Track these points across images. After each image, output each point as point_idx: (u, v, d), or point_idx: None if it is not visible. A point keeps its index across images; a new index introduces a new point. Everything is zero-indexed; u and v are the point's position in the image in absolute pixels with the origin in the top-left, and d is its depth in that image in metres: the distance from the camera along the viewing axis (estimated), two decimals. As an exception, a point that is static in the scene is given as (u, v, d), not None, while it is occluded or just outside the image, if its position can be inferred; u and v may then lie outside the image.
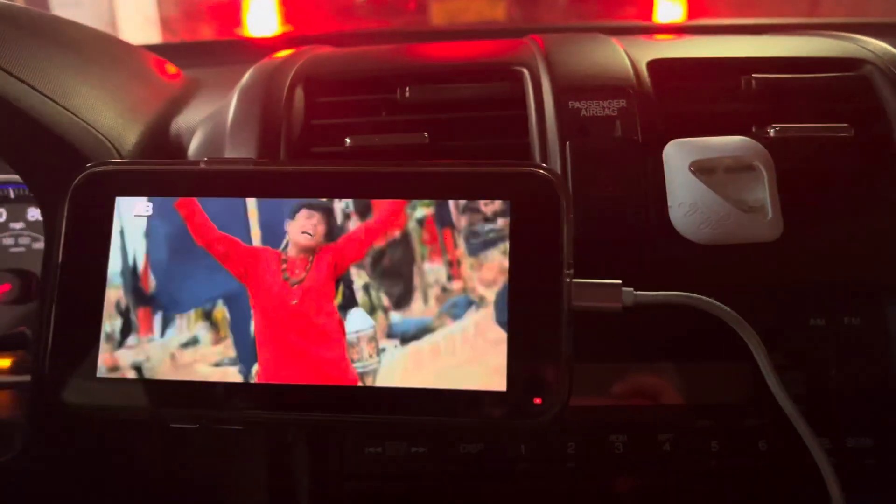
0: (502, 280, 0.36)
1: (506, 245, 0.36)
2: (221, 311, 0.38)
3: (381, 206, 0.38)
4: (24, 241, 0.64)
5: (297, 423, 0.45)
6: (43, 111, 0.48)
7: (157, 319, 0.38)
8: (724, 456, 0.51)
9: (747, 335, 0.38)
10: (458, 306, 0.37)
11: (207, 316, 0.38)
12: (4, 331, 0.59)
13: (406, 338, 0.37)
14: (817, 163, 0.50)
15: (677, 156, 0.46)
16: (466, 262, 0.37)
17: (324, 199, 0.38)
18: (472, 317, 0.36)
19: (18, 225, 0.65)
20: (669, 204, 0.46)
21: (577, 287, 0.36)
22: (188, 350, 0.38)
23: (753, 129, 0.50)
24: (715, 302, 0.38)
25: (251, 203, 0.38)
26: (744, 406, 0.50)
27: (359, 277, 0.37)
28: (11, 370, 0.58)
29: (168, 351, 0.38)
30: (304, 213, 0.38)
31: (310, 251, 0.38)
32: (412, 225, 0.37)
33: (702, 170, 0.46)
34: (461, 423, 0.37)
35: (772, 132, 0.49)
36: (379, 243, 0.37)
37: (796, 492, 0.50)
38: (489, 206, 0.37)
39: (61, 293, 0.38)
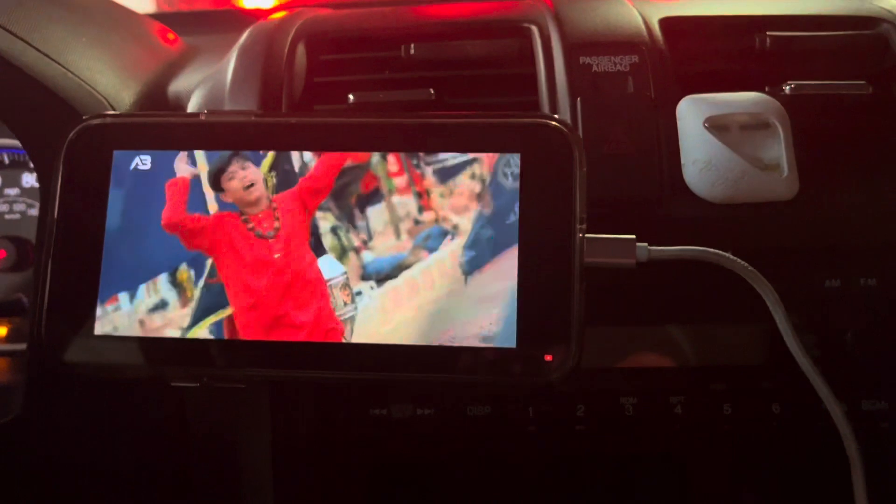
0: (474, 207, 0.35)
1: (474, 169, 0.35)
2: (186, 273, 0.36)
3: None
4: (20, 207, 0.63)
5: (300, 379, 0.44)
6: (39, 68, 0.47)
7: (136, 279, 0.36)
8: (737, 419, 0.50)
9: (764, 290, 0.37)
10: (433, 237, 0.35)
11: (174, 277, 0.36)
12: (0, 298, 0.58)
13: (380, 278, 0.35)
14: (834, 121, 0.48)
15: (692, 112, 0.45)
16: (436, 192, 0.35)
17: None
18: (448, 247, 0.35)
19: (13, 191, 0.63)
20: (683, 161, 0.45)
21: (589, 242, 0.35)
22: (157, 313, 0.36)
23: (767, 89, 0.49)
24: (731, 256, 0.37)
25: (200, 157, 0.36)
26: (757, 368, 0.50)
27: (325, 221, 0.36)
28: (8, 338, 0.57)
29: (137, 316, 0.36)
30: (235, 165, 0.36)
31: (266, 202, 0.36)
32: (376, 159, 0.36)
33: (717, 126, 0.44)
34: (471, 380, 0.36)
35: (787, 89, 0.48)
36: (343, 176, 0.36)
37: (809, 455, 0.50)
38: None
39: (58, 249, 0.36)
